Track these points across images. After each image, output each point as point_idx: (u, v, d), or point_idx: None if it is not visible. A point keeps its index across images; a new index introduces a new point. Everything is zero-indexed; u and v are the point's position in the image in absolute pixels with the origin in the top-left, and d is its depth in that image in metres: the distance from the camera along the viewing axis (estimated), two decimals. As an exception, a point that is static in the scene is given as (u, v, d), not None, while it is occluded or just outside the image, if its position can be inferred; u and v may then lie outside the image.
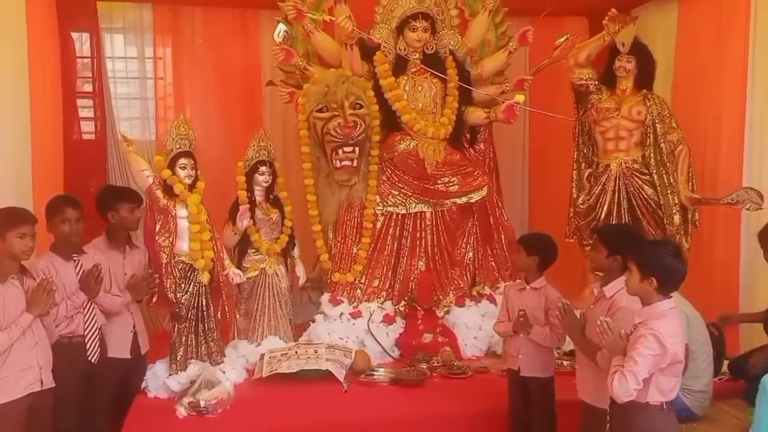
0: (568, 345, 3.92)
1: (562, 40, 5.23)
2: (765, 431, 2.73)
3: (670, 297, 2.70)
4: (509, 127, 5.49)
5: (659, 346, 2.57)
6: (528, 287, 3.64)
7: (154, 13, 6.05)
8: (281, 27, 4.94)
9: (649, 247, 2.86)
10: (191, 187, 4.21)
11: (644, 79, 5.00)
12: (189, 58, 6.15)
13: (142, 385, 4.08)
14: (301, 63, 5.02)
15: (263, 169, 4.73)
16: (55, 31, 5.46)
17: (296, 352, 4.40)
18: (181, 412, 3.74)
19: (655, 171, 4.88)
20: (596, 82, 5.08)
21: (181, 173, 4.17)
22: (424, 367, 4.38)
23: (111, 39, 6.03)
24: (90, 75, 5.79)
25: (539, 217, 6.58)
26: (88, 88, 5.81)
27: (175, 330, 4.14)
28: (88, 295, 3.60)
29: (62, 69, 5.53)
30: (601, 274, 3.24)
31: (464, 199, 5.05)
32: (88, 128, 5.81)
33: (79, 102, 5.78)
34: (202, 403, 3.74)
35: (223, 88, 6.17)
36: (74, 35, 5.74)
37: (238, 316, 4.79)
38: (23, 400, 3.20)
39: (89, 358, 3.63)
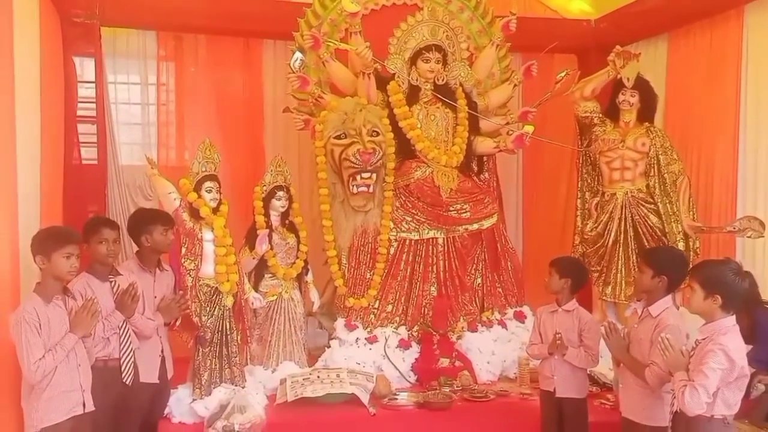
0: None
1: (562, 74, 5.45)
2: None
3: (732, 314, 2.83)
4: (504, 155, 5.70)
5: (727, 360, 2.70)
6: (560, 309, 3.76)
7: (158, 39, 6.07)
8: (298, 55, 5.02)
9: (712, 266, 2.99)
10: (215, 210, 4.22)
11: (646, 112, 5.27)
12: (192, 84, 6.17)
13: (166, 411, 4.00)
14: (315, 91, 5.10)
15: (280, 194, 4.76)
16: (60, 54, 5.43)
17: (318, 377, 4.39)
18: (215, 436, 3.69)
19: (659, 200, 5.11)
20: (600, 115, 5.32)
21: (207, 196, 4.18)
22: (447, 390, 4.42)
23: (114, 64, 5.99)
24: (93, 100, 5.72)
25: (533, 243, 6.76)
26: (90, 113, 5.73)
27: (199, 354, 4.10)
28: (124, 314, 3.55)
29: (65, 93, 5.49)
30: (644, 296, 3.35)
31: (476, 226, 5.18)
32: (89, 153, 5.73)
33: (81, 127, 5.70)
34: (236, 427, 3.70)
35: (226, 114, 6.20)
36: (77, 60, 5.70)
37: (251, 341, 4.75)
38: (66, 424, 3.15)
39: (124, 380, 3.57)
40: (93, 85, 5.73)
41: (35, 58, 4.64)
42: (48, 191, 4.78)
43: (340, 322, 4.97)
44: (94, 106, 5.70)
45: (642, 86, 5.22)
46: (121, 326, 3.57)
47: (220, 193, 4.25)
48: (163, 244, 3.94)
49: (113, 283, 3.59)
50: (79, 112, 5.68)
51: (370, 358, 4.77)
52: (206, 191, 4.17)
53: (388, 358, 4.78)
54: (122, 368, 3.57)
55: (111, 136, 5.85)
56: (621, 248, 5.15)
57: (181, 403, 4.01)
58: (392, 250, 5.05)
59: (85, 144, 5.70)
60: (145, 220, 3.94)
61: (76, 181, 5.49)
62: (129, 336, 3.60)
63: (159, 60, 6.10)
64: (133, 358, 3.62)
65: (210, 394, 4.03)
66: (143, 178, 5.99)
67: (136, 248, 4.05)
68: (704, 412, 2.72)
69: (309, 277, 4.96)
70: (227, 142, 6.11)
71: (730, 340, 2.75)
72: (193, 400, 4.01)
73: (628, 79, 5.17)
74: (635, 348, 3.22)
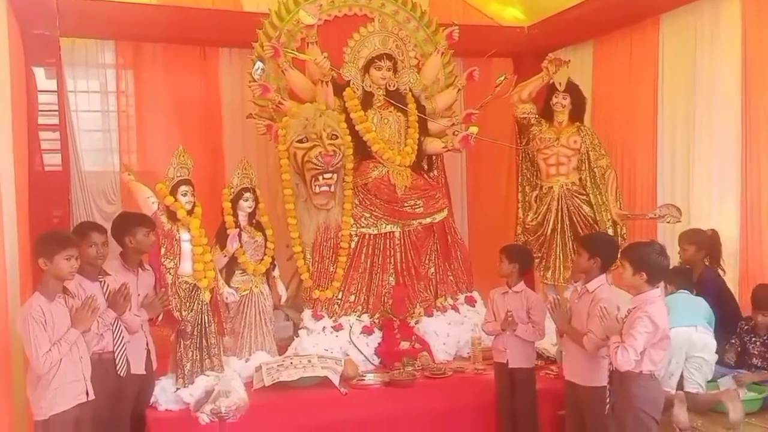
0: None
1: (501, 79, 5.91)
2: None
3: (657, 287, 3.37)
4: (450, 154, 6.16)
5: (652, 324, 3.24)
6: (510, 291, 4.25)
7: (117, 48, 6.28)
8: (259, 64, 5.34)
9: (639, 247, 3.53)
10: (190, 212, 4.52)
11: (577, 113, 5.83)
12: (151, 91, 6.39)
13: (152, 400, 4.29)
14: (276, 97, 5.43)
15: (247, 195, 5.05)
16: (22, 65, 5.58)
17: (291, 363, 4.74)
18: (204, 419, 3.99)
19: (590, 192, 5.68)
20: (537, 116, 5.85)
21: (183, 199, 4.48)
22: (410, 369, 4.86)
23: (73, 73, 6.16)
24: (54, 108, 5.88)
25: (478, 233, 7.26)
26: (52, 120, 5.88)
27: (181, 346, 4.40)
28: (117, 312, 3.82)
29: (27, 103, 5.64)
30: (583, 275, 3.87)
31: (428, 220, 5.63)
32: (52, 160, 5.88)
33: (43, 134, 5.84)
34: (223, 410, 3.99)
35: (185, 120, 6.42)
36: (37, 69, 5.84)
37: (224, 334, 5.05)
38: (72, 411, 3.42)
39: (118, 372, 3.86)
40: (54, 94, 5.87)
41: (5, 70, 4.83)
42: (18, 197, 4.97)
43: (307, 313, 5.33)
44: (56, 114, 5.85)
45: (572, 89, 5.77)
46: (113, 323, 3.85)
47: (194, 196, 4.55)
48: (146, 245, 4.21)
49: (102, 283, 3.87)
50: (41, 120, 5.80)
51: (337, 345, 5.15)
52: (182, 195, 4.46)
53: (354, 344, 5.18)
54: (116, 361, 3.86)
55: (73, 143, 6.04)
56: (558, 236, 5.67)
57: (165, 392, 4.30)
58: (353, 245, 5.42)
59: (48, 151, 5.84)
60: (128, 223, 4.20)
61: (40, 187, 5.61)
62: (121, 331, 3.90)
63: (118, 68, 6.32)
64: (125, 351, 3.91)
65: (193, 383, 4.32)
66: (106, 183, 6.22)
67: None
68: (633, 368, 3.24)
69: (276, 272, 5.27)
70: (187, 146, 6.02)
71: (655, 308, 3.28)
72: (177, 389, 4.31)
73: (560, 83, 5.73)
74: (575, 320, 3.73)
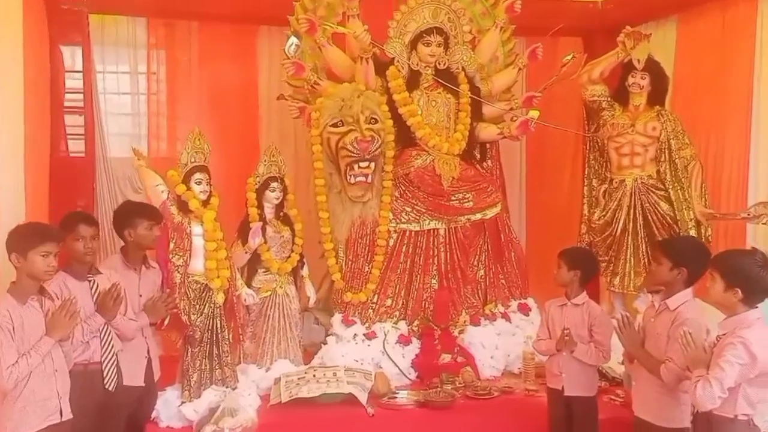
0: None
1: (568, 57, 5.27)
2: None
3: (757, 307, 2.64)
4: (507, 142, 5.51)
5: (748, 354, 2.53)
6: (569, 303, 3.58)
7: (149, 27, 5.89)
8: (293, 40, 4.85)
9: (735, 257, 2.81)
10: (205, 203, 4.03)
11: (657, 95, 5.10)
12: (184, 73, 6.00)
13: (153, 415, 3.83)
14: (312, 77, 4.92)
15: (274, 185, 4.57)
16: (46, 43, 5.24)
17: (314, 376, 4.23)
18: (204, 441, 3.52)
19: (670, 186, 4.98)
20: (609, 99, 5.16)
21: (196, 188, 4.00)
22: (449, 388, 4.24)
23: (102, 53, 5.79)
24: (80, 90, 5.54)
25: (536, 232, 6.57)
26: (78, 103, 5.55)
27: (188, 354, 3.92)
28: (106, 317, 3.36)
29: (51, 83, 5.30)
30: (662, 288, 3.15)
31: (479, 216, 5.03)
32: (76, 145, 5.57)
33: (68, 118, 5.54)
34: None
35: (219, 104, 6.00)
36: (64, 49, 5.52)
37: (244, 339, 4.56)
38: (42, 433, 2.94)
39: (106, 386, 3.39)
40: (81, 74, 5.58)
41: (17, 48, 4.45)
42: (33, 185, 4.61)
43: (337, 318, 4.82)
44: (81, 96, 5.56)
45: (653, 68, 5.05)
46: (102, 328, 3.38)
47: (210, 185, 4.05)
48: (147, 240, 3.75)
49: (92, 283, 3.40)
50: (67, 103, 5.54)
51: (369, 355, 4.61)
52: (195, 183, 3.98)
53: (388, 355, 4.62)
54: (104, 373, 3.39)
55: (99, 127, 5.73)
56: (630, 237, 5.01)
57: (169, 406, 3.83)
58: (391, 242, 4.89)
59: (73, 136, 5.56)
60: (130, 214, 3.77)
61: (63, 174, 5.32)
62: (111, 338, 3.42)
63: (149, 48, 5.92)
64: (115, 362, 3.44)
65: (199, 396, 3.85)
66: (132, 170, 5.82)
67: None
68: (724, 412, 2.54)
69: (304, 272, 4.77)
70: (221, 132, 5.89)
71: (752, 333, 2.58)
72: (182, 402, 3.84)
73: (638, 60, 5.02)
74: (651, 343, 3.05)
